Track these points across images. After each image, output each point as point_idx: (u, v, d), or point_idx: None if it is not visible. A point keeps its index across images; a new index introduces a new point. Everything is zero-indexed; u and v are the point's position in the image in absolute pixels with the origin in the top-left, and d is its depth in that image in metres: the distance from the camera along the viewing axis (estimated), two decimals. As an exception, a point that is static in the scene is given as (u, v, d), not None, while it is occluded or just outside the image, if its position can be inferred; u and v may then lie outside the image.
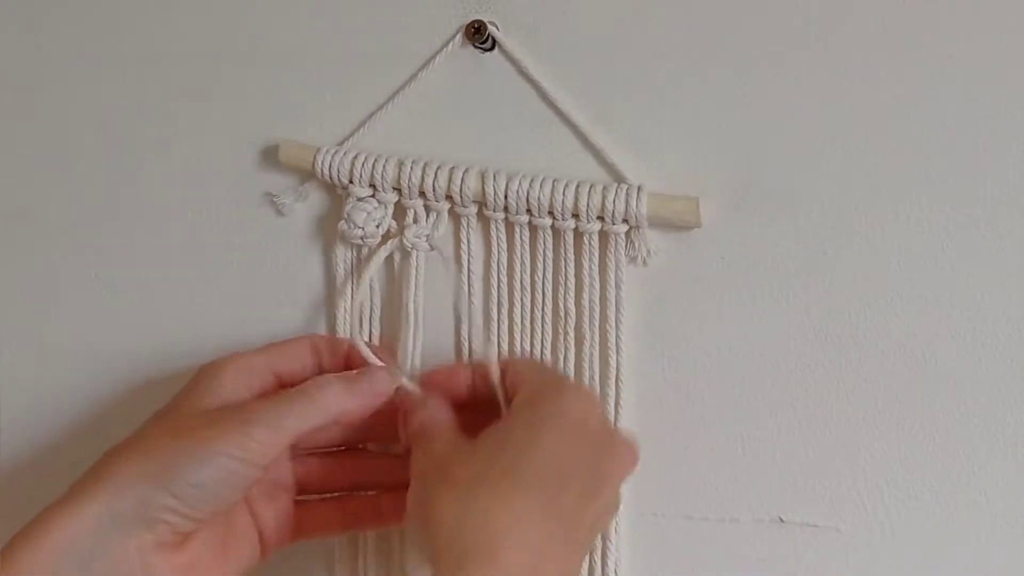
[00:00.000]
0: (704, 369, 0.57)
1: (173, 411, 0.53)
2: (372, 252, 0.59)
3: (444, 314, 0.60)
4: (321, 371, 0.57)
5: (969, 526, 0.54)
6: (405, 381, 0.55)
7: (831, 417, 0.56)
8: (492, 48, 0.58)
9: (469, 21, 0.57)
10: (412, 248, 0.58)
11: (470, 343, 0.59)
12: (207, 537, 0.52)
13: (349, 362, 0.57)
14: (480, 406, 0.55)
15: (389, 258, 0.60)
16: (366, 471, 0.58)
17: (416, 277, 0.59)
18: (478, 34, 0.57)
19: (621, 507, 0.57)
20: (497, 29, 0.57)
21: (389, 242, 0.59)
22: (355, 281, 0.60)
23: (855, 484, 0.56)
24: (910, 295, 0.54)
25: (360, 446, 0.59)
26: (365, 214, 0.58)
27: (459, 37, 0.58)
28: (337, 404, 0.52)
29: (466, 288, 0.59)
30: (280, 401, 0.52)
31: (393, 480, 0.57)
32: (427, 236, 0.58)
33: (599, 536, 0.58)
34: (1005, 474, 0.54)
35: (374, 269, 0.59)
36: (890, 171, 0.54)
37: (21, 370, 0.67)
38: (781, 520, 0.57)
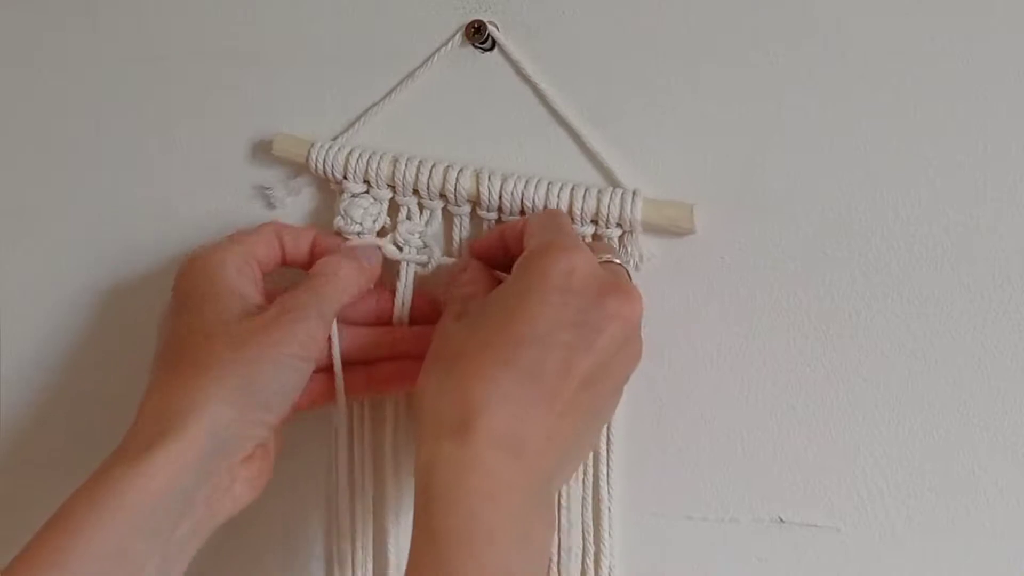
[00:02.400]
0: (703, 370, 0.57)
1: (207, 322, 0.53)
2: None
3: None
4: (285, 259, 0.58)
5: (969, 526, 0.55)
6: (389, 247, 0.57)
7: (831, 417, 0.56)
8: (492, 48, 0.57)
9: (469, 21, 0.57)
10: (404, 244, 0.58)
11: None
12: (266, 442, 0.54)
13: (314, 250, 0.58)
14: None
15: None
16: (388, 342, 0.59)
17: (406, 275, 0.59)
18: (478, 34, 0.56)
19: (617, 508, 0.58)
20: (497, 29, 0.57)
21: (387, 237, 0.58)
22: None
23: (855, 484, 0.56)
24: (910, 294, 0.54)
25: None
26: (362, 210, 0.58)
27: (459, 37, 0.58)
28: (356, 282, 0.55)
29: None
30: (315, 291, 0.54)
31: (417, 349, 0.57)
32: (420, 233, 0.58)
33: (591, 538, 0.58)
34: (1005, 474, 0.54)
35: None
36: (890, 171, 0.54)
37: (21, 370, 0.67)
38: (781, 520, 0.57)
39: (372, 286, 0.57)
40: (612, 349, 0.49)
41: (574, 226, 0.56)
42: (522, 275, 0.50)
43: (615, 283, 0.50)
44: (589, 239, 0.56)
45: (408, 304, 0.59)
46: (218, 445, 0.50)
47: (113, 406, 0.65)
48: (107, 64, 0.64)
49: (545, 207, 0.56)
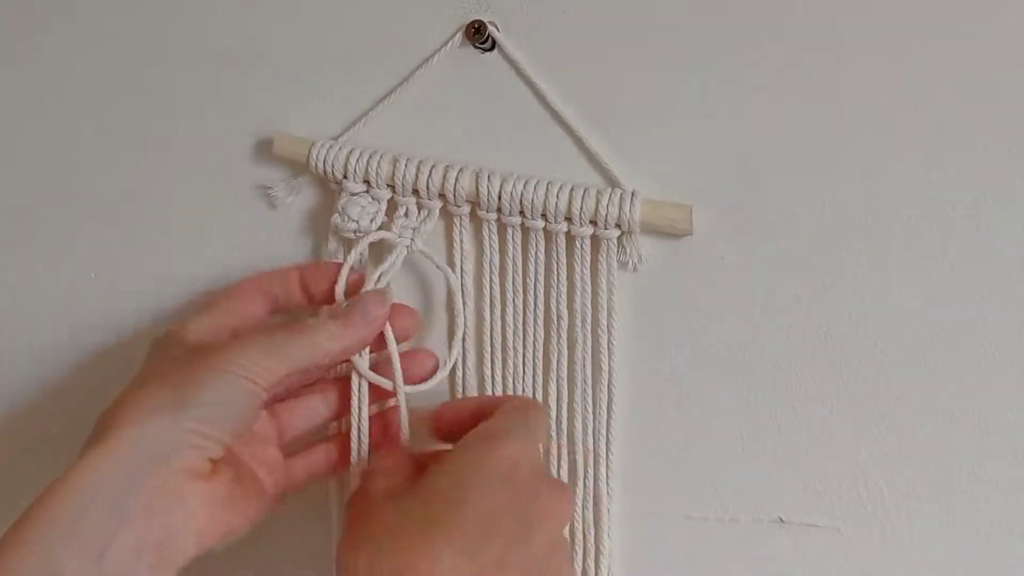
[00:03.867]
0: (703, 370, 0.57)
1: (173, 344, 0.54)
2: (364, 262, 0.60)
3: (435, 319, 0.60)
4: (311, 298, 0.58)
5: (969, 526, 0.55)
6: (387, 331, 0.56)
7: (831, 417, 0.56)
8: (492, 48, 0.57)
9: (469, 21, 0.57)
10: (397, 243, 0.58)
11: (463, 345, 0.59)
12: (229, 472, 0.51)
13: (303, 284, 0.58)
14: None
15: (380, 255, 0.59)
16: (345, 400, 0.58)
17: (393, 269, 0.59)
18: (478, 34, 0.56)
19: (616, 509, 0.58)
20: (497, 29, 0.57)
21: (374, 233, 0.58)
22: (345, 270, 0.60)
23: (855, 484, 0.56)
24: (910, 295, 0.54)
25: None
26: (360, 208, 0.58)
27: (459, 37, 0.57)
28: (336, 343, 0.53)
29: (459, 291, 0.59)
30: (285, 329, 0.53)
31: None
32: (414, 229, 0.58)
33: (591, 538, 0.58)
34: (1005, 474, 0.54)
35: (355, 256, 0.58)
36: (890, 171, 0.54)
37: (20, 370, 0.66)
38: (781, 520, 0.57)
39: (371, 339, 0.56)
40: (546, 544, 0.49)
41: (545, 415, 0.56)
42: (467, 455, 0.50)
43: (553, 481, 0.51)
44: (587, 240, 0.56)
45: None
46: (147, 453, 0.48)
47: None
48: (106, 64, 0.63)
49: (543, 210, 0.56)
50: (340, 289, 0.57)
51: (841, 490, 0.56)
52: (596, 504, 0.58)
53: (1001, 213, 0.53)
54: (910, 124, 0.53)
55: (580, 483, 0.58)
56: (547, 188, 0.56)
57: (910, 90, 0.53)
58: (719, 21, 0.55)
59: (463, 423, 0.53)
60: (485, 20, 0.57)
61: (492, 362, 0.59)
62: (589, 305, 0.57)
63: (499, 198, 0.56)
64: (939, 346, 0.54)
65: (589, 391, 0.58)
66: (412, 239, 0.58)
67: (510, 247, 0.58)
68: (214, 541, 0.50)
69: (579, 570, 0.58)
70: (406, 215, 0.58)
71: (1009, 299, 0.53)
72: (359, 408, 0.57)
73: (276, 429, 0.57)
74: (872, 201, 0.54)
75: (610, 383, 0.57)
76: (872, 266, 0.54)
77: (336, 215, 0.58)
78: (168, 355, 0.53)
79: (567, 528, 0.57)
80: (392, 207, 0.58)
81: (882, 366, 0.55)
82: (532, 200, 0.56)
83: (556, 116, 0.57)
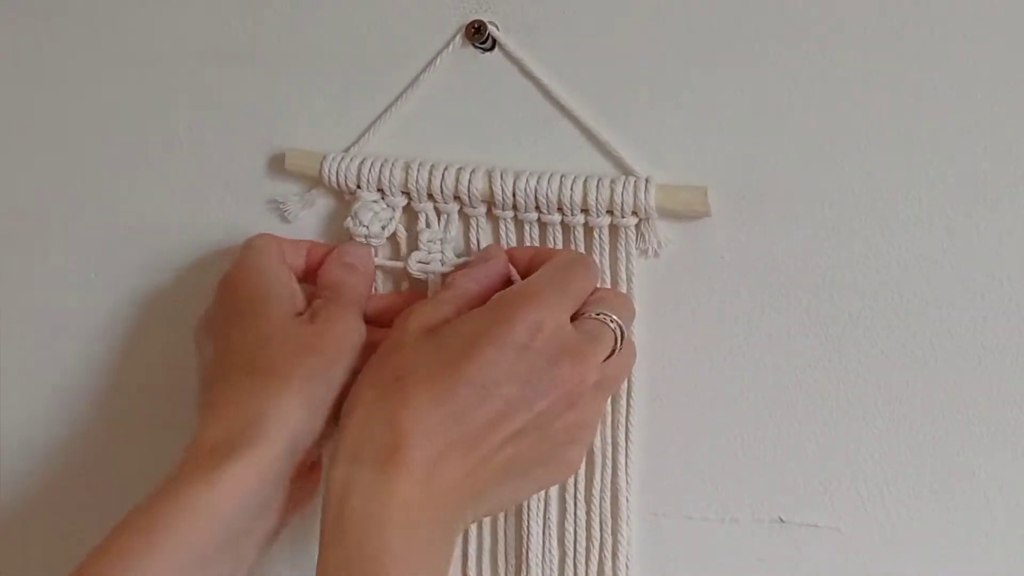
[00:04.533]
0: (703, 370, 0.57)
1: (264, 328, 0.53)
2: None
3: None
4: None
5: (969, 526, 0.54)
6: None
7: (831, 417, 0.55)
8: (492, 48, 0.58)
9: (469, 21, 0.57)
10: (428, 255, 0.59)
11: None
12: None
13: (308, 260, 0.59)
14: None
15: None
16: None
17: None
18: (478, 34, 0.57)
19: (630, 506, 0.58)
20: (497, 29, 0.57)
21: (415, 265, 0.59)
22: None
23: (855, 484, 0.55)
24: (910, 295, 0.54)
25: None
26: (372, 213, 0.58)
27: (459, 37, 0.58)
28: (362, 286, 0.57)
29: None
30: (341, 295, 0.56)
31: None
32: (441, 240, 0.58)
33: (608, 531, 0.58)
34: (1005, 474, 0.54)
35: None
36: (890, 171, 0.54)
37: (20, 370, 0.67)
38: (781, 520, 0.57)
39: (371, 285, 0.58)
40: (550, 415, 0.49)
41: (586, 277, 0.54)
42: (490, 313, 0.50)
43: (574, 349, 0.50)
44: (605, 230, 0.56)
45: None
46: (296, 452, 0.50)
47: (122, 411, 0.66)
48: (117, 77, 0.64)
49: (559, 203, 0.56)
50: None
51: (841, 490, 0.56)
52: (615, 495, 0.58)
53: (1001, 213, 0.53)
54: (911, 124, 0.53)
55: (598, 474, 0.58)
56: (561, 181, 0.56)
57: (911, 90, 0.53)
58: (724, 8, 0.55)
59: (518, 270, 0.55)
60: (485, 20, 0.57)
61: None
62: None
63: (514, 195, 0.57)
64: (939, 346, 0.54)
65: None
66: (442, 259, 0.59)
67: (528, 243, 0.58)
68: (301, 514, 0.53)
69: (596, 562, 0.58)
70: (427, 225, 0.58)
71: (1009, 299, 0.53)
72: None
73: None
74: (873, 200, 0.54)
75: (630, 374, 0.57)
76: (873, 265, 0.54)
77: (349, 219, 0.59)
78: (268, 314, 0.54)
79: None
80: (412, 216, 0.59)
81: (882, 366, 0.55)
82: (547, 195, 0.56)
83: (563, 109, 0.57)
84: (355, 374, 0.52)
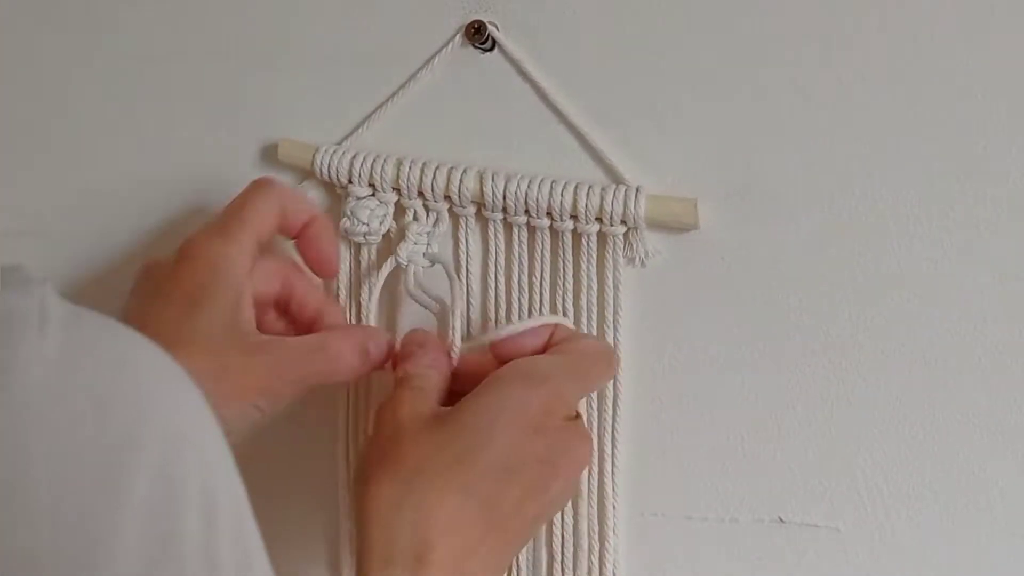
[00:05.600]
0: (703, 370, 0.57)
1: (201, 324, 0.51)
2: (371, 265, 0.60)
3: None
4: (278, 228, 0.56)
5: (969, 526, 0.55)
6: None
7: (831, 417, 0.56)
8: (492, 48, 0.58)
9: (469, 21, 0.57)
10: (408, 264, 0.58)
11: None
12: None
13: (306, 228, 0.56)
14: None
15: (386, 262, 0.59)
16: None
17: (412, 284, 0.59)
18: (478, 34, 0.57)
19: (619, 507, 0.58)
20: (497, 29, 0.57)
21: (389, 259, 0.58)
22: (350, 282, 0.60)
23: (855, 484, 0.56)
24: (910, 295, 0.54)
25: None
26: (369, 211, 0.58)
27: (459, 37, 0.58)
28: (351, 367, 0.53)
29: (464, 295, 0.59)
30: (305, 358, 0.52)
31: None
32: (428, 234, 0.58)
33: (595, 536, 0.58)
34: (1005, 474, 0.54)
35: (379, 287, 0.59)
36: (890, 171, 0.54)
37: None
38: (781, 520, 0.57)
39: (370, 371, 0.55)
40: (561, 492, 0.50)
41: (607, 374, 0.55)
42: (503, 391, 0.49)
43: (583, 431, 0.51)
44: (594, 237, 0.56)
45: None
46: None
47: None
48: (112, 70, 0.64)
49: (549, 208, 0.56)
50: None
51: (841, 490, 0.56)
52: (601, 500, 0.58)
53: (1001, 213, 0.53)
54: (911, 124, 0.53)
55: (585, 480, 0.58)
56: (552, 186, 0.56)
57: (911, 90, 0.53)
58: (721, 17, 0.55)
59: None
60: (485, 20, 0.57)
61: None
62: (595, 302, 0.57)
63: (504, 198, 0.57)
64: (939, 346, 0.54)
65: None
66: (426, 251, 0.58)
67: (516, 246, 0.58)
68: None
69: (584, 567, 0.58)
70: (415, 219, 0.58)
71: (1009, 299, 0.53)
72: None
73: None
74: (873, 200, 0.54)
75: (616, 380, 0.57)
76: (873, 265, 0.54)
77: (345, 218, 0.58)
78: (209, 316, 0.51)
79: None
80: (400, 211, 0.59)
81: (882, 366, 0.55)
82: (537, 199, 0.56)
83: (558, 114, 0.57)
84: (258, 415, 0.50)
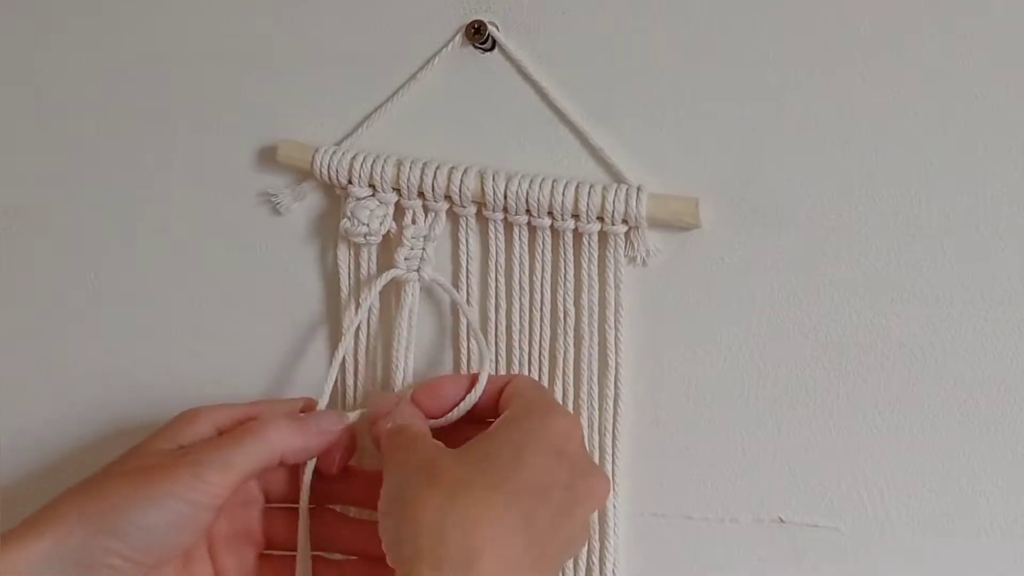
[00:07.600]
0: (704, 369, 0.57)
1: (135, 452, 0.52)
2: (371, 266, 0.60)
3: (440, 334, 0.60)
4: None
5: (969, 526, 0.55)
6: (352, 417, 0.55)
7: (831, 417, 0.56)
8: (492, 48, 0.58)
9: (469, 21, 0.57)
10: (406, 278, 0.58)
11: (469, 358, 0.59)
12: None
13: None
14: (460, 421, 0.55)
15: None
16: (333, 533, 0.57)
17: (409, 301, 0.59)
18: (478, 34, 0.57)
19: (620, 508, 0.58)
20: (497, 29, 0.57)
21: (385, 273, 0.58)
22: (351, 283, 0.60)
23: (855, 484, 0.56)
24: (910, 295, 0.54)
25: (331, 507, 0.58)
26: (369, 212, 0.58)
27: (459, 37, 0.58)
28: (282, 441, 0.52)
29: (464, 301, 0.59)
30: (228, 441, 0.51)
31: (359, 547, 0.56)
32: (425, 237, 0.58)
33: (595, 535, 0.58)
34: (1005, 474, 0.54)
35: (373, 296, 0.59)
36: (890, 171, 0.54)
37: (19, 370, 0.66)
38: (781, 520, 0.57)
39: (317, 450, 0.54)
40: (582, 523, 0.50)
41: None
42: (524, 424, 0.51)
43: (597, 465, 0.53)
44: (595, 236, 0.56)
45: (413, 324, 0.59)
46: (61, 559, 0.48)
47: (121, 410, 0.65)
48: (111, 70, 0.64)
49: (550, 208, 0.56)
50: (298, 407, 0.57)
51: (841, 490, 0.56)
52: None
53: (1001, 213, 0.53)
54: (911, 124, 0.53)
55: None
56: (552, 186, 0.56)
57: (911, 90, 0.53)
58: (721, 17, 0.55)
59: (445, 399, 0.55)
60: (485, 20, 0.57)
61: (496, 361, 0.59)
62: (596, 302, 0.57)
63: (505, 197, 0.57)
64: (939, 346, 0.54)
65: (595, 388, 0.58)
66: (419, 267, 0.58)
67: (516, 246, 0.58)
68: None
69: (583, 566, 0.58)
70: (413, 221, 0.58)
71: (1009, 299, 0.53)
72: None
73: (263, 533, 0.56)
74: (873, 200, 0.54)
75: (616, 380, 0.57)
76: (873, 265, 0.54)
77: (345, 219, 0.58)
78: (133, 459, 0.52)
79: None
80: (399, 212, 0.59)
81: (882, 366, 0.55)
82: (538, 198, 0.56)
83: (559, 114, 0.57)
84: (187, 508, 0.49)
